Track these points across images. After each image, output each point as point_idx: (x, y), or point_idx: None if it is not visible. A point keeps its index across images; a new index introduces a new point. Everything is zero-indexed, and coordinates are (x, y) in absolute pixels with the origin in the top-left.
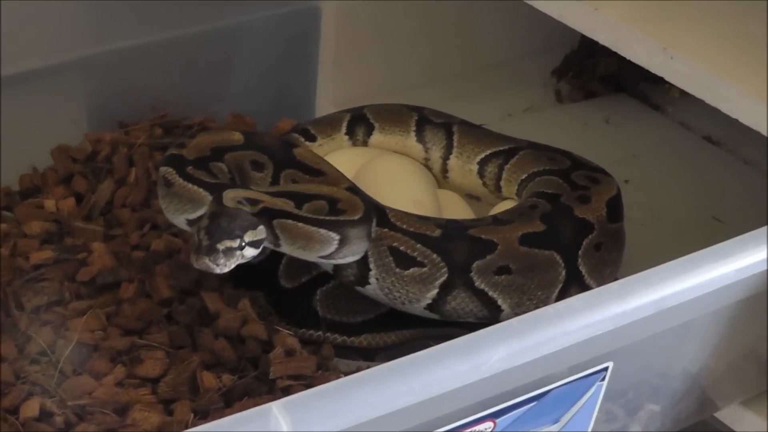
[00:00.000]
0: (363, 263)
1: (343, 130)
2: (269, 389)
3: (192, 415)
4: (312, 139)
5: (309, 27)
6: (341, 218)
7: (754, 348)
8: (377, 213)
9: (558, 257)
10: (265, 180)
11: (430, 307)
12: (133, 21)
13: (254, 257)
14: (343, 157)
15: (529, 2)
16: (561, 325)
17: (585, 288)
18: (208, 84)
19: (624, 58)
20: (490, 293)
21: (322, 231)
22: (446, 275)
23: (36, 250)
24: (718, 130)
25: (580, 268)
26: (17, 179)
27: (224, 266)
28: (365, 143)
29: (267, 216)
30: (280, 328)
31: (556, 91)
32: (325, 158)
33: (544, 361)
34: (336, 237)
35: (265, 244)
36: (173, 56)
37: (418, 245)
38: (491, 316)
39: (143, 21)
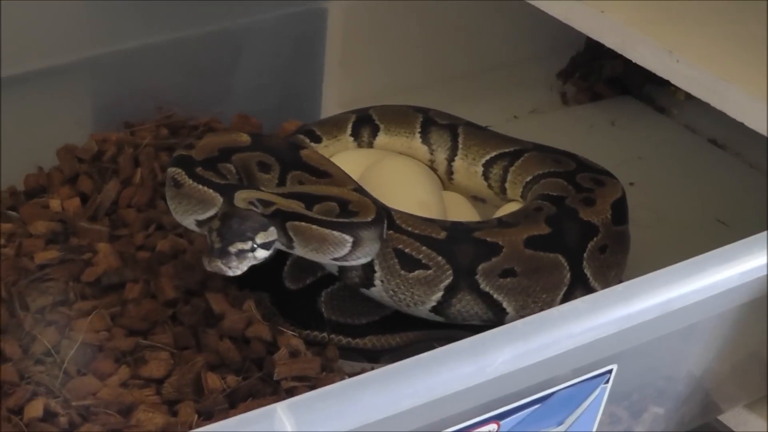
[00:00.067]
0: (368, 265)
1: (349, 131)
2: (273, 390)
3: (196, 416)
4: (317, 140)
5: (315, 28)
6: (355, 220)
7: (757, 351)
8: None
9: (563, 260)
10: (272, 181)
11: (434, 310)
12: (139, 21)
13: (266, 259)
14: (348, 159)
15: (536, 4)
16: (565, 328)
17: (590, 290)
18: (214, 84)
19: (630, 61)
20: (495, 296)
21: (336, 233)
22: (451, 278)
23: (41, 250)
24: (723, 133)
25: (585, 270)
26: (23, 179)
27: (236, 268)
28: (370, 144)
29: (280, 218)
30: (285, 330)
31: (561, 93)
32: (331, 159)
33: (548, 364)
34: (350, 239)
35: (279, 246)
36: (179, 57)
37: (423, 247)
38: (496, 318)
39: (149, 21)
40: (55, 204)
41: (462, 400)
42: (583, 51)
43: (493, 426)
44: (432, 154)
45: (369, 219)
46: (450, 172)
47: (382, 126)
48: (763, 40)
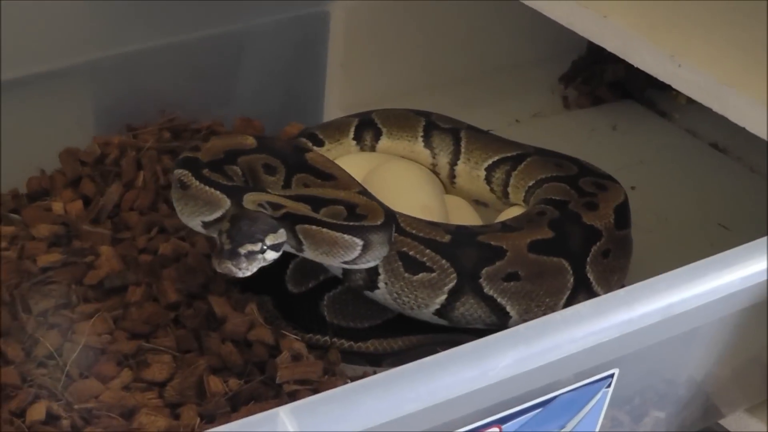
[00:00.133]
0: (372, 267)
1: (351, 135)
2: (276, 394)
3: (198, 419)
4: (320, 143)
5: (317, 31)
6: (365, 224)
7: (758, 355)
8: None
9: (566, 264)
10: (277, 183)
11: (438, 313)
12: (142, 24)
13: (274, 260)
14: (350, 163)
15: (538, 8)
16: (568, 332)
17: (593, 295)
18: (217, 87)
19: (631, 65)
20: (499, 299)
21: (347, 236)
22: (455, 281)
23: (43, 252)
24: (724, 138)
25: (588, 275)
26: (25, 182)
27: (246, 270)
28: (373, 148)
29: (290, 221)
30: (287, 333)
31: (563, 97)
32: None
33: (550, 368)
34: (360, 242)
35: (288, 248)
36: (181, 60)
37: (428, 250)
38: (499, 322)
39: (152, 24)
40: (57, 207)
41: (464, 404)
42: (584, 55)
43: (495, 430)
44: (434, 158)
45: (378, 222)
46: (452, 176)
47: (384, 130)
48: (764, 45)
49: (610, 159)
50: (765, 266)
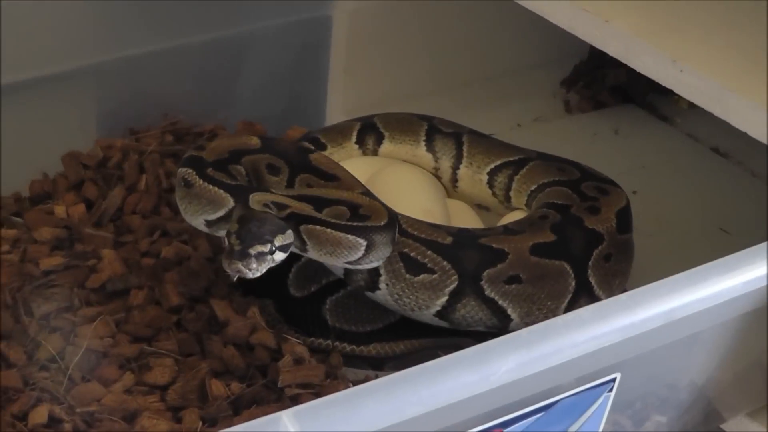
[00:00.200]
0: (373, 268)
1: (353, 138)
2: (278, 397)
3: (200, 422)
4: (322, 147)
5: (320, 35)
6: (368, 224)
7: (759, 360)
8: None
9: (568, 267)
10: (281, 183)
11: (439, 315)
12: (144, 28)
13: (282, 261)
14: (353, 166)
15: (540, 13)
16: (569, 337)
17: (594, 298)
18: (219, 91)
19: (633, 69)
20: (500, 302)
21: (351, 237)
22: (456, 283)
23: (46, 256)
24: (726, 142)
25: (590, 278)
26: (27, 185)
27: (256, 270)
28: (375, 152)
29: (294, 221)
30: (289, 337)
31: (565, 101)
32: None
33: (552, 372)
34: (363, 243)
35: (292, 249)
36: (184, 63)
37: (429, 252)
38: (500, 325)
39: (154, 28)
40: (59, 210)
41: (466, 408)
42: (586, 59)
43: None
44: (437, 162)
45: (382, 223)
46: (455, 180)
47: (386, 134)
48: (766, 49)
49: (612, 163)
50: (766, 271)
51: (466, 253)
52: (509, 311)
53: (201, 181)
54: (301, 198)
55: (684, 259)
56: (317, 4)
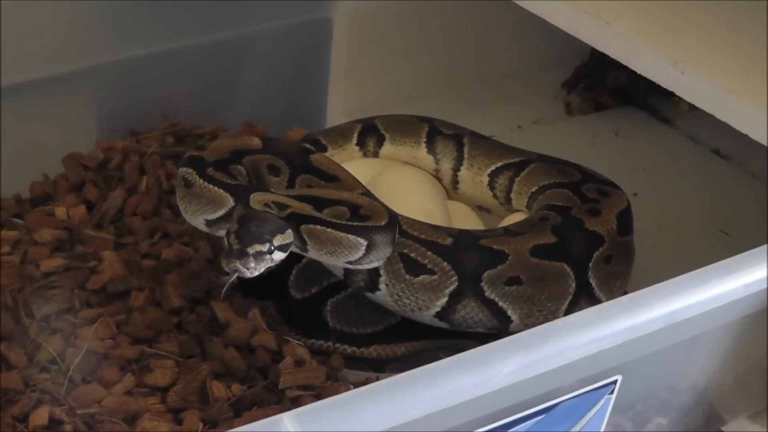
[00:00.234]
0: (373, 269)
1: (354, 140)
2: (278, 399)
3: (201, 424)
4: (323, 149)
5: (321, 37)
6: (369, 224)
7: (760, 362)
8: None
9: (568, 269)
10: (281, 184)
11: (439, 316)
12: (145, 30)
13: (281, 261)
14: (353, 168)
15: (541, 15)
16: (571, 339)
17: (595, 300)
18: (220, 93)
19: (633, 71)
20: (500, 303)
21: (351, 237)
22: (456, 284)
23: (46, 257)
24: (726, 144)
25: (591, 280)
26: (28, 186)
27: (255, 270)
28: (376, 154)
29: (295, 221)
30: (290, 338)
31: (566, 103)
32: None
33: (553, 374)
34: (364, 243)
35: (293, 248)
36: (185, 65)
37: (429, 253)
38: (500, 326)
39: (155, 30)
40: (60, 212)
41: (467, 411)
42: (587, 61)
43: None
44: (437, 163)
45: (382, 223)
46: (455, 181)
47: (387, 136)
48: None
49: (613, 165)
50: (767, 273)
51: (466, 254)
52: (509, 313)
53: (201, 181)
54: (301, 198)
55: (685, 261)
56: (318, 6)
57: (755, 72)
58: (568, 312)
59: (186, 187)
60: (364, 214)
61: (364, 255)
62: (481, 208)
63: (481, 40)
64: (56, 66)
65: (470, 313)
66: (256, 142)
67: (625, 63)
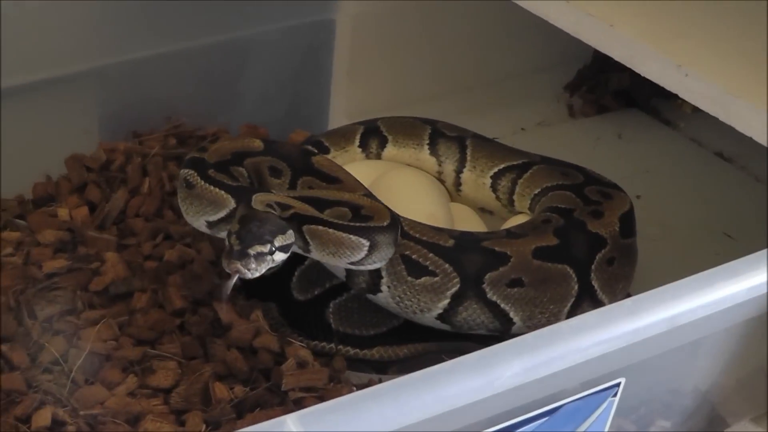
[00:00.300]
0: (375, 270)
1: (357, 142)
2: (281, 401)
3: (204, 426)
4: (325, 151)
5: (323, 39)
6: (371, 224)
7: (763, 365)
8: None
9: (571, 271)
10: (283, 186)
11: (441, 317)
12: (148, 31)
13: (282, 262)
14: (356, 170)
15: (544, 17)
16: (574, 342)
17: (597, 302)
18: (222, 95)
19: (636, 73)
20: (502, 305)
21: (353, 237)
22: (458, 285)
23: (49, 258)
24: (729, 147)
25: (593, 282)
26: (31, 188)
27: (255, 271)
28: (379, 156)
29: (297, 221)
30: (293, 340)
31: (568, 105)
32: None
33: (557, 377)
34: (366, 243)
35: (295, 249)
36: (187, 67)
37: (431, 254)
38: (503, 328)
39: (158, 31)
40: (63, 213)
41: (470, 413)
42: (590, 64)
43: None
44: (440, 165)
45: (385, 223)
46: (458, 183)
47: (390, 137)
48: None
49: (616, 168)
50: None
51: (468, 256)
52: (511, 314)
53: (202, 182)
54: (301, 199)
55: (687, 263)
56: (320, 8)
57: (758, 74)
58: (570, 314)
59: (187, 188)
60: (366, 215)
61: (367, 255)
62: (483, 210)
63: (483, 42)
64: (59, 67)
65: (472, 315)
66: (257, 144)
67: (628, 65)
